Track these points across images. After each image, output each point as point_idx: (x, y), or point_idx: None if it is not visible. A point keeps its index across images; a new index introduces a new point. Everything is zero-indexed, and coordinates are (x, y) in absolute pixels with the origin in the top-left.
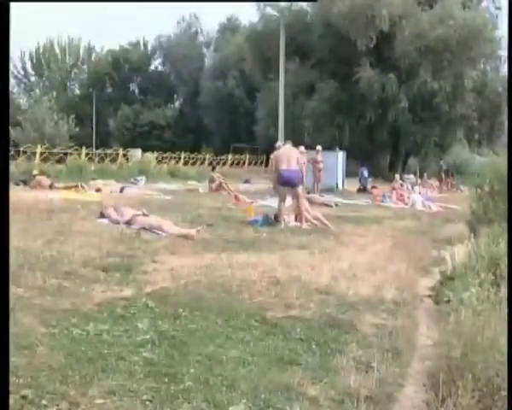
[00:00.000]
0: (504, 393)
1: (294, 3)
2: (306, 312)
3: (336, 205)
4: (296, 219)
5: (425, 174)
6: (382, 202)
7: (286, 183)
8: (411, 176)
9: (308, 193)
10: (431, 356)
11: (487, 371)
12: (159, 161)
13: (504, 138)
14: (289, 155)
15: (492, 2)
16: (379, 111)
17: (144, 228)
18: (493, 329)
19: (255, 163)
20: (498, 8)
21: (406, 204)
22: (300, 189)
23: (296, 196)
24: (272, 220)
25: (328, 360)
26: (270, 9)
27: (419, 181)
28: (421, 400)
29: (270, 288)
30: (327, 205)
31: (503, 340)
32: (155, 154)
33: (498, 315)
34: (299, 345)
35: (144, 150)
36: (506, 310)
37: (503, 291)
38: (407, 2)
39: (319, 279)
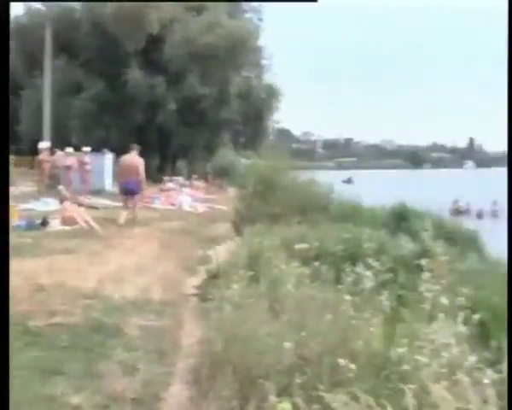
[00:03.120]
0: (261, 381)
1: None
2: (71, 318)
3: (104, 207)
4: (62, 223)
5: (193, 176)
6: (151, 203)
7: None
8: (180, 178)
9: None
10: (195, 353)
11: (246, 362)
12: None
13: (267, 142)
14: (130, 166)
15: (255, 13)
16: (148, 113)
17: None
18: (253, 322)
19: (20, 165)
20: (260, 20)
21: (174, 205)
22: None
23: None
24: (38, 225)
25: (93, 366)
26: (37, 3)
27: (187, 183)
28: (186, 396)
29: (33, 295)
30: (94, 207)
31: (262, 332)
32: None
33: (258, 309)
34: (64, 353)
35: None
36: (264, 304)
37: (263, 286)
38: (176, 8)
39: (86, 284)
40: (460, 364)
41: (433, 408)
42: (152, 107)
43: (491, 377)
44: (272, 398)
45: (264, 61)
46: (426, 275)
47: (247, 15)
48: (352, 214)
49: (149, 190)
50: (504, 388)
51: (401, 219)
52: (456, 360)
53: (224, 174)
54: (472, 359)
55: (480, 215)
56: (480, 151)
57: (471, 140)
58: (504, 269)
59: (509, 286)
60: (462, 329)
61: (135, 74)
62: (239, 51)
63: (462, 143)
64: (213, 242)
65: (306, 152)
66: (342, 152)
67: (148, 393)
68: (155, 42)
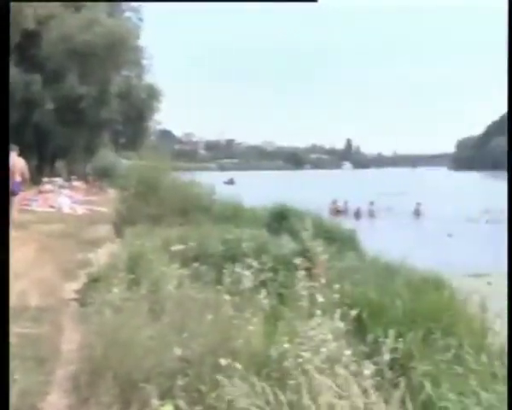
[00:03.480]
0: (143, 385)
1: None
2: None
3: None
4: None
5: (72, 177)
6: (28, 206)
7: None
8: (59, 179)
9: None
10: (74, 359)
11: (127, 366)
12: None
13: (148, 143)
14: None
15: (135, 13)
16: (23, 112)
17: None
18: (134, 326)
19: None
20: (141, 20)
21: (53, 207)
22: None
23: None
24: None
25: None
26: None
27: (66, 184)
28: (65, 405)
29: None
30: None
31: (143, 335)
32: None
33: (139, 312)
34: None
35: None
36: (145, 307)
37: (143, 288)
38: (53, 3)
39: None
40: (338, 358)
41: (314, 402)
42: (28, 105)
43: (369, 369)
44: (154, 401)
45: (144, 61)
46: (301, 273)
47: (127, 14)
48: (234, 215)
49: (27, 192)
50: (380, 379)
51: (282, 219)
52: (334, 355)
53: (104, 175)
54: (349, 353)
55: (357, 215)
56: (358, 153)
57: (348, 142)
58: (380, 266)
59: (509, 286)
60: (340, 324)
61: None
62: (118, 50)
63: (339, 145)
64: (94, 244)
65: (188, 153)
66: (224, 153)
67: (25, 404)
68: (31, 38)
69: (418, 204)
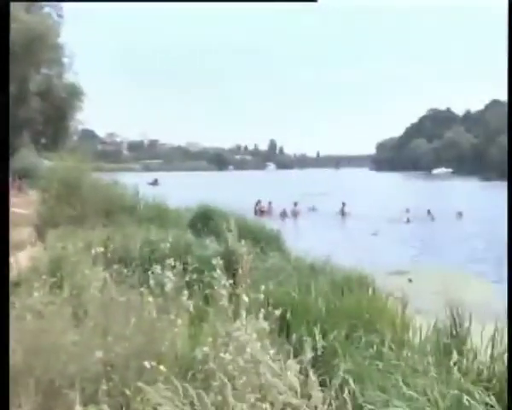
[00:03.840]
0: (66, 391)
1: None
2: None
3: None
4: None
5: None
6: None
7: None
8: None
9: None
10: None
11: (50, 372)
12: None
13: (70, 143)
14: None
15: (55, 9)
16: None
17: None
18: (56, 331)
19: None
20: (61, 16)
21: None
22: None
23: None
24: None
25: None
26: None
27: None
28: None
29: None
30: None
31: (66, 340)
32: None
33: (61, 317)
34: None
35: None
36: (67, 311)
37: (66, 292)
38: None
39: None
40: (262, 358)
41: (239, 401)
42: None
43: (293, 367)
44: (78, 408)
45: (65, 59)
46: (218, 273)
47: (46, 10)
48: (158, 216)
49: None
50: (304, 377)
51: (206, 220)
52: (259, 355)
53: (25, 176)
54: (273, 352)
55: (283, 215)
56: (281, 154)
57: (272, 142)
58: (305, 265)
59: (509, 285)
60: (264, 324)
61: None
62: (37, 47)
63: (263, 146)
64: (14, 248)
65: (112, 153)
66: (147, 154)
67: None
68: None
69: (343, 204)
